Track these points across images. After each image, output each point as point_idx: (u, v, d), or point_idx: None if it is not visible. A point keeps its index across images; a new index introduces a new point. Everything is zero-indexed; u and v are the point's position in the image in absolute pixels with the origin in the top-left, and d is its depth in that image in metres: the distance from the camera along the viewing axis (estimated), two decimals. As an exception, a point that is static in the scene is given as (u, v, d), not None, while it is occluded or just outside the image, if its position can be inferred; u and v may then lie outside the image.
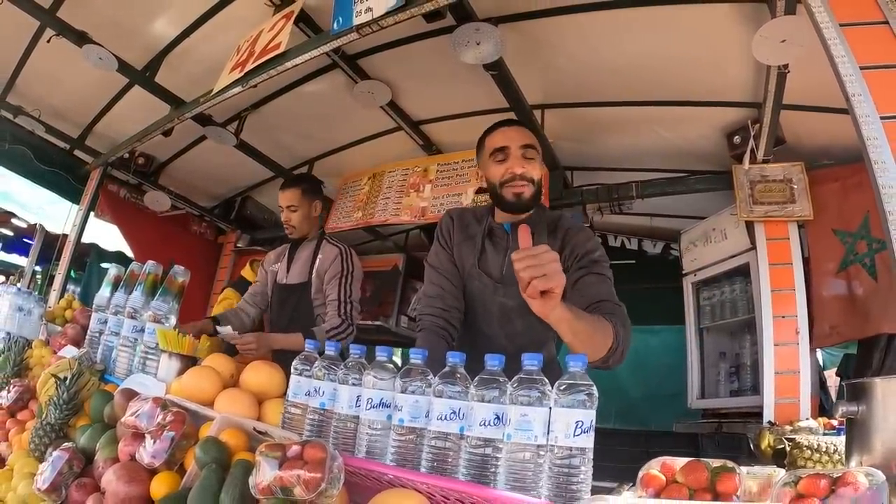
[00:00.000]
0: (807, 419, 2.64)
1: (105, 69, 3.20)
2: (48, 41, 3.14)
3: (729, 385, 3.46)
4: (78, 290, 5.49)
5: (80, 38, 3.07)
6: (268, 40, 2.59)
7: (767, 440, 2.46)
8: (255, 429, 1.42)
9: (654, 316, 4.86)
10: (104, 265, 5.98)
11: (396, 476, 1.08)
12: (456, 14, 2.45)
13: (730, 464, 1.03)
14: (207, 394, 1.64)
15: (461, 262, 1.95)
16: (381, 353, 1.33)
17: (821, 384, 3.60)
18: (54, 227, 5.02)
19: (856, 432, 1.42)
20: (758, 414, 2.90)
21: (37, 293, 3.36)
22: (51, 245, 5.26)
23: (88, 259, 5.73)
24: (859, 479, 0.97)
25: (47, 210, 4.93)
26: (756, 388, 3.11)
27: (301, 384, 1.46)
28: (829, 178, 3.09)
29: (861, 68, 1.40)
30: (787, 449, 2.22)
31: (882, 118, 1.33)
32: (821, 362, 4.70)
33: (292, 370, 1.50)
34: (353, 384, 1.33)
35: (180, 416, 1.50)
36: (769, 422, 2.72)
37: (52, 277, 4.27)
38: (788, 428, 2.53)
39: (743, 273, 3.34)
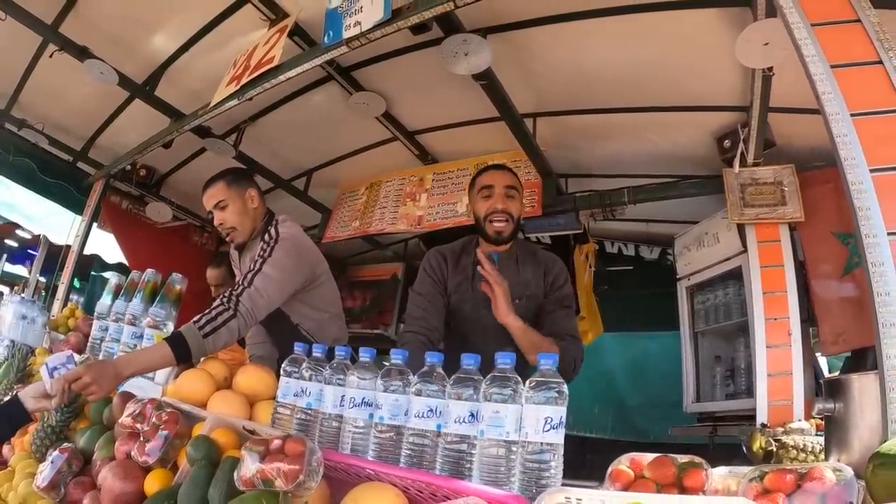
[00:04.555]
0: (799, 420, 2.65)
1: (106, 83, 3.26)
2: (51, 56, 3.20)
3: (724, 388, 3.45)
4: (81, 299, 5.54)
5: (82, 53, 3.13)
6: (262, 54, 2.65)
7: (759, 442, 2.47)
8: (244, 427, 1.46)
9: (653, 321, 4.86)
10: (107, 275, 6.06)
11: (375, 470, 1.12)
12: (443, 26, 2.50)
13: (697, 460, 1.05)
14: (201, 395, 1.69)
15: (455, 290, 2.24)
16: (363, 354, 1.38)
17: (819, 387, 3.59)
18: (57, 239, 5.09)
19: (834, 429, 1.44)
20: (752, 416, 2.90)
21: (41, 302, 3.42)
22: (54, 256, 5.34)
23: (91, 269, 5.80)
24: (826, 474, 0.96)
25: (51, 221, 5.01)
26: (750, 391, 3.08)
27: (290, 385, 1.51)
28: (821, 180, 3.08)
29: (832, 67, 1.41)
30: (774, 449, 2.24)
31: (852, 115, 1.34)
32: (825, 366, 4.67)
33: (282, 372, 1.55)
34: (338, 384, 1.38)
35: (174, 416, 1.55)
36: (762, 424, 2.72)
37: (55, 287, 4.33)
38: (780, 429, 2.53)
39: (736, 276, 3.34)
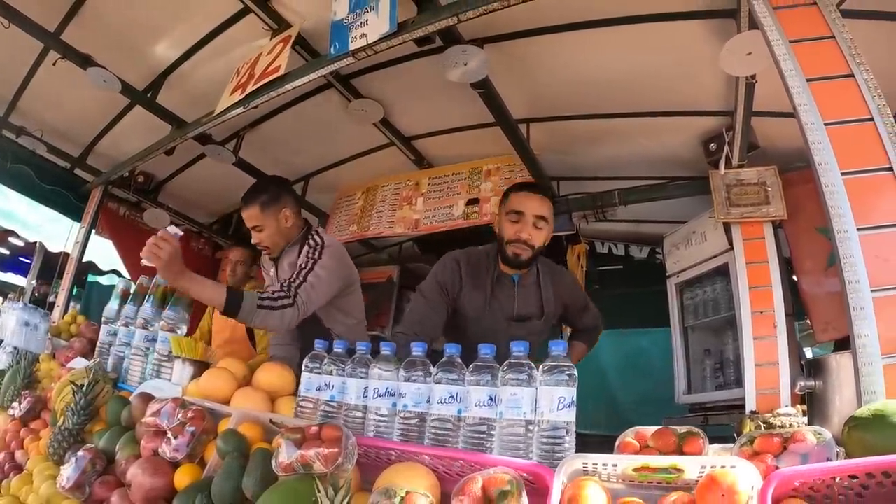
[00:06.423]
0: (786, 407, 2.78)
1: (109, 90, 3.31)
2: (53, 64, 3.23)
3: (714, 380, 3.58)
4: (78, 306, 5.57)
5: (85, 61, 3.17)
6: (267, 63, 2.73)
7: (749, 428, 2.59)
8: (271, 421, 1.55)
9: (644, 318, 5.00)
10: (103, 282, 6.09)
11: (402, 451, 1.22)
12: (444, 37, 2.60)
13: (695, 429, 1.17)
14: (224, 393, 1.77)
15: (470, 303, 2.24)
16: (384, 348, 1.48)
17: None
18: (53, 246, 5.11)
19: (815, 405, 1.59)
20: (742, 406, 3.02)
21: (43, 309, 3.46)
22: (49, 263, 5.36)
23: (86, 276, 5.83)
24: (808, 436, 1.09)
25: (47, 228, 5.01)
26: (739, 382, 3.20)
27: (312, 380, 1.60)
28: (803, 180, 3.21)
29: (808, 80, 1.54)
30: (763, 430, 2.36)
31: (826, 124, 1.48)
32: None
33: (303, 368, 1.64)
34: (360, 377, 1.47)
35: (200, 413, 1.63)
36: (751, 411, 2.85)
37: (51, 294, 4.35)
38: (769, 415, 2.66)
39: (723, 273, 3.48)
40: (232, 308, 2.06)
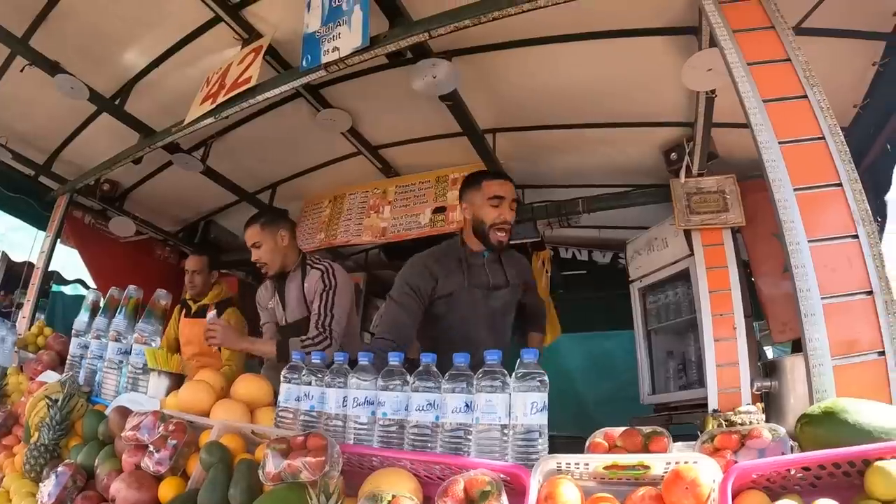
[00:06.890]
0: (747, 405, 2.91)
1: (76, 98, 3.26)
2: (21, 70, 3.17)
3: (677, 381, 3.70)
4: (42, 316, 5.42)
5: (53, 68, 3.11)
6: (238, 73, 2.72)
7: (711, 426, 2.71)
8: (252, 432, 1.58)
9: (608, 322, 5.13)
10: (68, 291, 5.95)
11: (385, 457, 1.27)
12: (413, 50, 2.64)
13: (659, 429, 1.26)
14: (204, 405, 1.79)
15: (449, 288, 2.43)
16: (362, 359, 1.53)
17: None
18: (16, 255, 4.97)
19: (772, 404, 1.71)
20: (704, 405, 3.13)
21: (9, 321, 3.38)
22: (11, 272, 5.21)
23: (50, 286, 5.69)
24: (764, 433, 1.21)
25: (10, 237, 4.88)
26: (702, 382, 3.32)
27: (291, 391, 1.64)
28: (759, 188, 3.27)
29: (764, 101, 1.65)
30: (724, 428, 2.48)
31: (780, 143, 1.59)
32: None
33: (282, 379, 1.67)
34: (339, 387, 1.52)
35: (181, 426, 1.65)
36: (714, 410, 2.97)
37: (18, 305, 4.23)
38: (730, 413, 2.78)
39: (684, 277, 3.59)
40: (283, 355, 2.49)
